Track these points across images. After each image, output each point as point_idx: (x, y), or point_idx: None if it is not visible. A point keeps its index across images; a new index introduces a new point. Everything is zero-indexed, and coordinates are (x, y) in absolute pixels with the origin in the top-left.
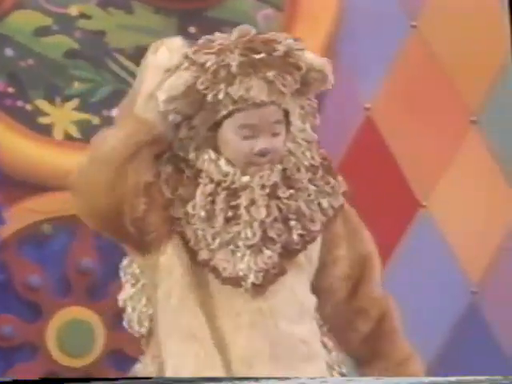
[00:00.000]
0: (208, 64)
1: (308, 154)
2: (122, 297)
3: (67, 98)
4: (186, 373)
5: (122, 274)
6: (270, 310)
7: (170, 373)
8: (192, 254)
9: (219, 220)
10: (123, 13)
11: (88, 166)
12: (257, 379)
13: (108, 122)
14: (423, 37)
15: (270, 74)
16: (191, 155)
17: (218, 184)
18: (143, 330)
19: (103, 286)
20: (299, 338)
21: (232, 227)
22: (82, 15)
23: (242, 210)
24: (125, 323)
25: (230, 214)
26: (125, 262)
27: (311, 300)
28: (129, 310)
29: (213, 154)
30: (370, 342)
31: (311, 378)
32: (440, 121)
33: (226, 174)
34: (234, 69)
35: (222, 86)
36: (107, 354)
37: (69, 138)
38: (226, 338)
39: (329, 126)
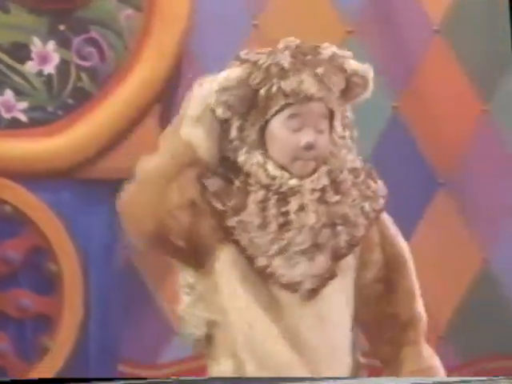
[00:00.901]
0: (260, 61)
1: (350, 156)
2: (180, 307)
3: None
4: (271, 366)
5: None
6: (322, 313)
7: (251, 370)
8: (249, 260)
9: (273, 226)
10: (1, 12)
11: (133, 188)
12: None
13: None
14: (265, 35)
15: (320, 71)
16: (241, 158)
17: (268, 189)
18: (200, 334)
19: None
20: (344, 340)
21: (284, 233)
22: None
23: (293, 216)
24: (181, 330)
25: (281, 220)
26: (180, 280)
27: (352, 301)
28: (186, 317)
29: (261, 158)
30: (394, 346)
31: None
32: None
33: (274, 178)
34: (286, 65)
35: (275, 80)
36: None
37: None
38: (290, 339)
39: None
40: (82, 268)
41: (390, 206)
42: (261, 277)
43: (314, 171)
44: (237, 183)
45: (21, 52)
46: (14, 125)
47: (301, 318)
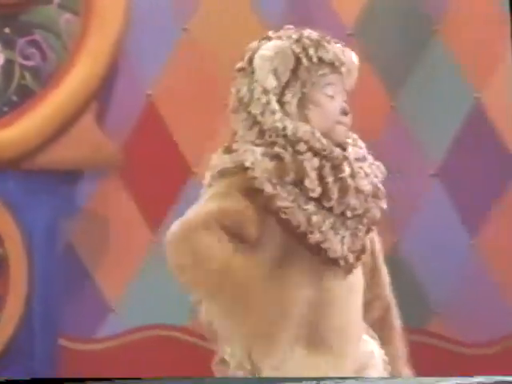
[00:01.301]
0: (294, 36)
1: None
2: None
3: None
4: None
5: None
6: (355, 285)
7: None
8: (301, 237)
9: (334, 192)
10: None
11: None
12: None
13: None
14: (194, 38)
15: (342, 44)
16: (289, 128)
17: (320, 155)
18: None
19: None
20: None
21: (344, 198)
22: None
23: (349, 181)
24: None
25: (339, 185)
26: None
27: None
28: None
29: (309, 127)
30: (376, 328)
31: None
32: (197, 105)
33: (323, 145)
34: (316, 37)
35: (313, 50)
36: None
37: None
38: (320, 311)
39: (115, 111)
40: (26, 251)
41: None
42: (308, 253)
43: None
44: (287, 158)
45: None
46: None
47: (339, 290)
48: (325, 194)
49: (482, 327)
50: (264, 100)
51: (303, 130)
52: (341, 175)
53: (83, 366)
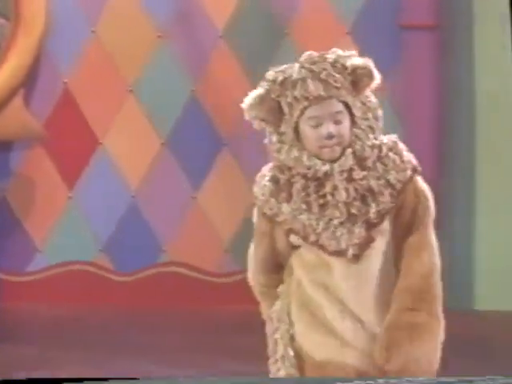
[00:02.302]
0: (278, 78)
1: (371, 135)
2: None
3: None
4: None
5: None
6: (366, 271)
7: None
8: (303, 239)
9: (315, 207)
10: None
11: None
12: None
13: None
14: (101, 38)
15: (323, 75)
16: (282, 157)
17: (306, 177)
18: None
19: None
20: (387, 294)
21: (325, 211)
22: None
23: (328, 197)
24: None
25: (321, 201)
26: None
27: (391, 256)
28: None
29: (297, 152)
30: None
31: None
32: (103, 91)
33: (309, 167)
34: (294, 76)
35: (288, 91)
36: None
37: None
38: (340, 295)
39: (38, 95)
40: None
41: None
42: (314, 248)
43: (342, 155)
44: (282, 180)
45: None
46: None
47: (347, 278)
48: (309, 209)
49: None
50: (267, 135)
51: (291, 157)
52: (321, 192)
53: (16, 293)
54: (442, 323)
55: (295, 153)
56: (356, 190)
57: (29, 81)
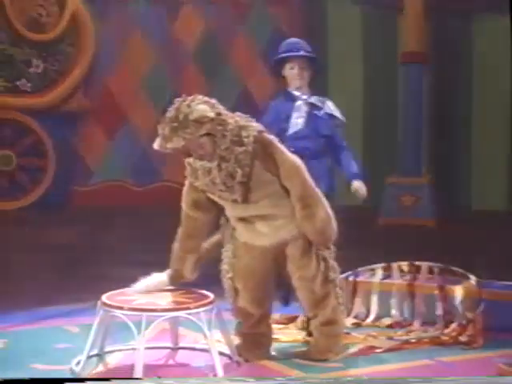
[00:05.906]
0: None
1: (230, 135)
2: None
3: None
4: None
5: None
6: (255, 214)
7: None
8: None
9: (208, 180)
10: None
11: None
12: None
13: None
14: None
15: (170, 131)
16: (195, 164)
17: (197, 169)
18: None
19: None
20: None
21: (214, 183)
22: None
23: (212, 175)
24: None
25: (209, 177)
26: None
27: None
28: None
29: (191, 160)
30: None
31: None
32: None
33: (195, 165)
34: (160, 131)
35: (162, 142)
36: None
37: None
38: (238, 229)
39: (87, 90)
40: None
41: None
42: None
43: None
44: (200, 171)
45: None
46: None
47: (245, 211)
48: (213, 184)
49: None
50: None
51: (190, 161)
52: (209, 175)
53: (82, 197)
54: (326, 205)
55: (190, 160)
56: (225, 169)
57: (84, 81)
